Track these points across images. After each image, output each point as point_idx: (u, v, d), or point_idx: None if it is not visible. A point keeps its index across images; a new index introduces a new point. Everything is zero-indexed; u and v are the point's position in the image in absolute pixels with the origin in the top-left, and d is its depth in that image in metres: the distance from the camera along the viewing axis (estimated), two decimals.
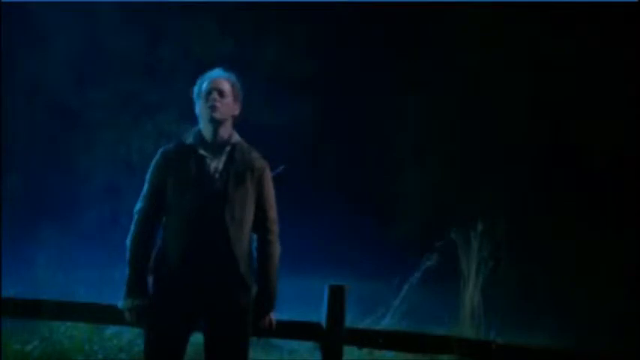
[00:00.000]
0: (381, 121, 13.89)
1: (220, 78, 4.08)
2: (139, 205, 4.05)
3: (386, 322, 6.55)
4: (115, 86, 13.55)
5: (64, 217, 12.07)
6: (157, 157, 4.07)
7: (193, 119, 4.14)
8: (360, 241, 12.52)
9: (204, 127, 4.04)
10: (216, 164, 3.99)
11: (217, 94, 4.01)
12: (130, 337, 6.34)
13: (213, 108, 3.99)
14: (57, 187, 12.98)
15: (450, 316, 6.69)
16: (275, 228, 4.09)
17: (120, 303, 4.01)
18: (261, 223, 4.05)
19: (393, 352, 5.49)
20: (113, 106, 13.55)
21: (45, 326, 6.36)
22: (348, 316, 4.30)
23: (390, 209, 13.71)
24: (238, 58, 13.44)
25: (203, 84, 4.07)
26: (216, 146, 4.02)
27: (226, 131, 4.05)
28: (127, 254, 4.01)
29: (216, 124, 4.00)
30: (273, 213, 4.09)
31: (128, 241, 4.02)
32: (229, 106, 4.05)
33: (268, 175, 4.10)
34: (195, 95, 4.10)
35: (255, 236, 4.09)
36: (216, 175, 3.97)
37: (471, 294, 6.53)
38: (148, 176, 4.07)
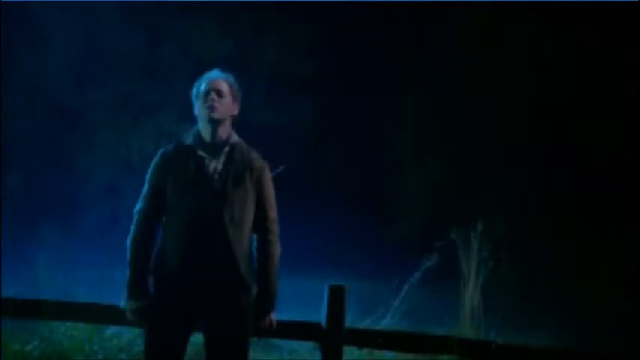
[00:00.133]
0: (381, 121, 13.89)
1: (218, 78, 4.08)
2: (138, 206, 4.05)
3: (386, 322, 6.55)
4: (115, 86, 13.55)
5: (64, 217, 12.08)
6: (157, 158, 4.07)
7: (193, 119, 4.14)
8: (360, 241, 12.53)
9: (203, 128, 4.04)
10: (215, 165, 3.99)
11: (215, 94, 4.01)
12: (130, 337, 6.35)
13: (211, 108, 3.99)
14: (57, 187, 12.99)
15: (450, 316, 6.69)
16: (275, 228, 4.08)
17: (122, 303, 4.02)
18: (261, 223, 4.05)
19: (393, 352, 5.49)
20: (113, 106, 13.55)
21: (45, 326, 6.36)
22: (348, 316, 4.30)
23: (390, 209, 13.71)
24: (238, 58, 13.46)
25: (201, 85, 4.07)
26: (215, 147, 4.02)
27: (225, 131, 4.04)
28: (128, 255, 4.02)
29: (214, 124, 4.00)
30: (273, 213, 4.08)
31: (128, 242, 4.03)
32: (228, 106, 4.05)
33: (268, 175, 4.10)
34: (193, 96, 4.10)
35: (255, 236, 4.09)
36: (215, 176, 3.97)
37: (471, 294, 6.53)
38: (147, 177, 4.08)
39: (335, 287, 4.28)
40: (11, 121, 12.79)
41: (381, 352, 5.68)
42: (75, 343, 6.27)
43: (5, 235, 10.06)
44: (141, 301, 3.96)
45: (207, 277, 3.91)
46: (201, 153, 4.00)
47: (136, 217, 4.05)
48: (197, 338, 4.15)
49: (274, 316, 4.09)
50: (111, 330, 6.40)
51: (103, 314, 4.50)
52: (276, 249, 4.08)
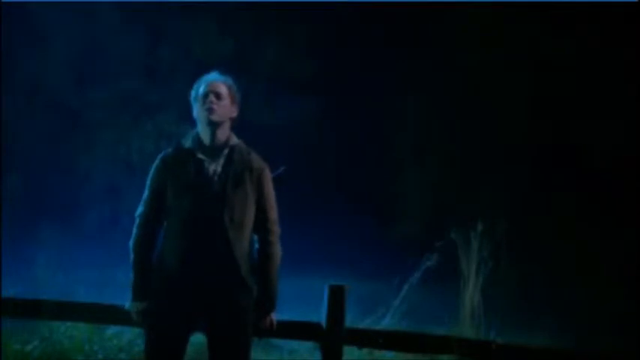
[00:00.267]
0: (381, 121, 13.89)
1: (217, 81, 4.09)
2: (140, 209, 4.08)
3: (386, 322, 6.54)
4: (115, 86, 13.55)
5: (64, 217, 12.08)
6: (157, 161, 4.09)
7: (193, 119, 4.14)
8: (360, 241, 12.53)
9: (202, 130, 4.05)
10: (214, 167, 4.00)
11: (214, 96, 4.01)
12: (130, 337, 6.35)
13: (210, 110, 3.99)
14: (57, 187, 12.99)
15: (450, 316, 6.68)
16: (275, 229, 4.09)
17: (126, 305, 4.06)
18: (261, 225, 4.06)
19: (393, 352, 5.49)
20: (113, 106, 13.55)
21: (45, 326, 6.36)
22: (348, 316, 4.30)
23: (390, 209, 13.71)
24: (238, 58, 13.46)
25: (200, 87, 4.08)
26: (215, 149, 4.02)
27: (224, 134, 4.05)
28: (131, 257, 4.05)
29: (213, 126, 4.01)
30: (273, 214, 4.09)
31: (131, 245, 4.06)
32: (226, 109, 4.05)
33: (268, 176, 4.10)
34: (192, 99, 4.11)
35: (256, 237, 4.10)
36: (215, 178, 3.98)
37: (471, 294, 6.53)
38: (148, 181, 4.10)
39: (335, 287, 4.28)
40: (11, 121, 12.79)
41: (381, 352, 5.68)
42: (75, 343, 6.27)
43: (5, 235, 10.06)
44: (145, 302, 3.99)
45: (207, 279, 3.92)
46: (200, 155, 4.01)
47: (137, 220, 4.07)
48: (197, 338, 4.15)
49: (274, 317, 4.10)
50: (111, 330, 6.40)
51: (103, 314, 4.50)
52: (277, 250, 4.08)
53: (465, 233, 6.76)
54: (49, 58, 13.59)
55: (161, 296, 3.96)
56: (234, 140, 4.08)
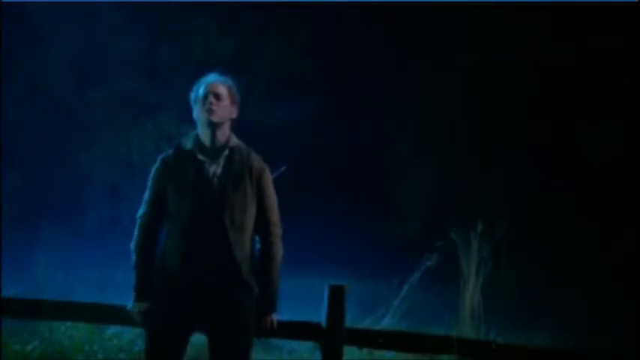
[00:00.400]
0: (381, 121, 13.89)
1: (216, 82, 4.08)
2: (141, 211, 4.09)
3: (386, 322, 6.54)
4: (115, 86, 13.55)
5: (64, 217, 12.08)
6: (157, 163, 4.10)
7: (193, 120, 4.14)
8: (360, 241, 12.52)
9: (202, 132, 4.05)
10: (214, 168, 4.00)
11: (214, 97, 4.01)
12: (130, 337, 6.35)
13: (210, 111, 3.99)
14: (57, 187, 12.99)
15: (450, 316, 6.68)
16: (277, 230, 4.10)
17: (129, 305, 4.07)
18: (262, 226, 4.07)
19: (393, 352, 5.48)
20: (113, 106, 13.55)
21: (45, 326, 6.36)
22: (348, 316, 4.30)
23: (390, 209, 13.71)
24: (238, 58, 13.46)
25: (199, 89, 4.08)
26: (215, 150, 4.02)
27: (224, 135, 4.05)
28: (132, 259, 4.07)
29: (213, 127, 4.01)
30: (274, 215, 4.10)
31: (132, 246, 4.08)
32: (226, 110, 4.05)
33: (268, 177, 4.10)
34: (192, 100, 4.11)
35: (257, 238, 4.10)
36: (215, 180, 3.98)
37: (471, 294, 6.52)
38: (148, 183, 4.10)
39: (335, 287, 4.28)
40: (11, 121, 12.79)
41: (381, 352, 5.67)
42: (75, 343, 6.27)
43: (5, 234, 10.06)
44: (147, 303, 4.00)
45: (208, 279, 3.93)
46: (200, 157, 4.01)
47: (138, 221, 4.08)
48: (197, 338, 4.15)
49: (275, 317, 4.10)
50: (111, 330, 6.40)
51: (103, 314, 4.50)
52: (279, 250, 4.09)
53: (465, 233, 6.75)
54: (49, 58, 13.59)
55: (162, 296, 3.97)
56: (235, 141, 4.08)
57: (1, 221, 10.90)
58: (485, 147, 13.21)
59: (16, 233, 10.56)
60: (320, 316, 4.30)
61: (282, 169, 4.30)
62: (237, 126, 4.15)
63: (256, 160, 4.08)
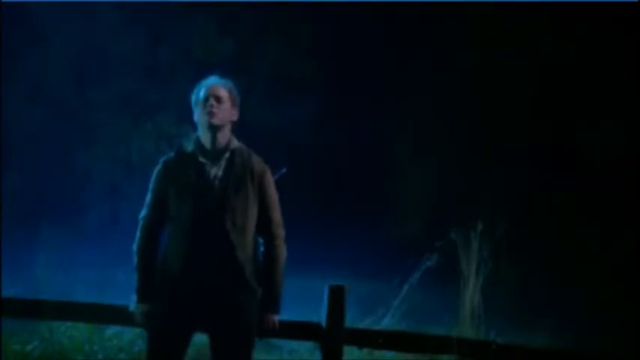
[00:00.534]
0: (381, 121, 13.89)
1: (217, 84, 4.08)
2: (143, 213, 4.10)
3: (386, 322, 6.53)
4: (115, 86, 13.55)
5: (64, 217, 12.08)
6: (159, 166, 4.10)
7: (193, 120, 4.15)
8: (360, 241, 12.52)
9: (203, 134, 4.05)
10: (215, 171, 4.00)
11: (214, 100, 4.01)
12: (130, 337, 6.35)
13: (210, 114, 3.99)
14: (57, 187, 12.99)
15: (450, 316, 6.68)
16: (280, 231, 4.10)
17: (131, 306, 4.07)
18: (265, 227, 4.07)
19: (393, 352, 5.48)
20: (113, 106, 13.56)
21: (45, 326, 6.36)
22: (348, 316, 4.30)
23: (390, 209, 13.72)
24: (238, 58, 13.47)
25: (200, 91, 4.08)
26: (216, 153, 4.03)
27: (225, 137, 4.05)
28: (134, 260, 4.07)
29: (214, 130, 4.01)
30: (277, 216, 4.10)
31: (134, 248, 4.09)
32: (227, 112, 4.05)
33: (269, 179, 4.11)
34: (192, 103, 4.11)
35: (261, 240, 4.11)
36: (216, 182, 3.99)
37: (471, 294, 6.52)
38: (150, 185, 4.11)
39: (335, 287, 4.27)
40: (11, 121, 12.79)
41: (381, 352, 5.67)
42: (75, 343, 6.27)
43: (5, 234, 10.07)
44: (149, 304, 4.01)
45: (210, 281, 3.93)
46: (201, 159, 4.01)
47: (140, 223, 4.09)
48: (198, 338, 4.15)
49: (277, 317, 4.10)
50: (111, 330, 6.39)
51: (103, 314, 4.50)
52: (282, 252, 4.09)
53: (465, 233, 6.74)
54: (49, 58, 13.60)
55: (164, 297, 3.97)
56: (235, 143, 4.08)
57: (1, 221, 10.90)
58: (485, 147, 13.21)
59: (16, 233, 10.56)
60: (320, 316, 4.30)
61: (283, 170, 4.30)
62: (237, 126, 4.15)
63: (257, 162, 4.08)
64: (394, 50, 13.99)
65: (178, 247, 3.96)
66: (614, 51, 12.43)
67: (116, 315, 4.33)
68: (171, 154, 4.11)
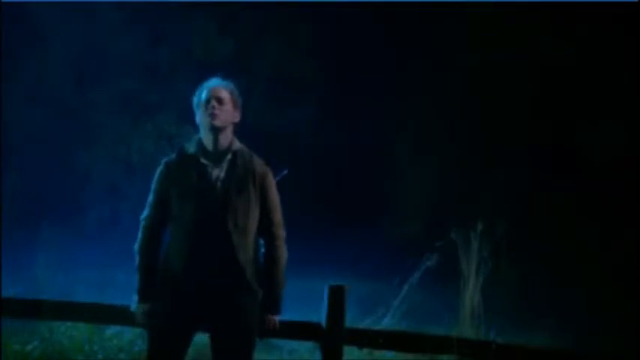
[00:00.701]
0: (381, 121, 13.89)
1: (219, 86, 4.10)
2: (145, 213, 4.11)
3: (386, 322, 6.54)
4: (115, 86, 13.55)
5: (64, 217, 12.08)
6: (161, 167, 4.11)
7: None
8: (360, 241, 12.52)
9: (205, 136, 4.06)
10: (217, 172, 4.02)
11: (216, 102, 4.03)
12: (130, 337, 6.35)
13: (212, 116, 4.00)
14: (57, 187, 12.99)
15: (450, 316, 6.68)
16: (281, 232, 4.11)
17: (132, 306, 4.08)
18: (266, 229, 4.08)
19: (393, 352, 5.48)
20: (113, 106, 13.56)
21: (45, 326, 6.36)
22: (348, 316, 4.30)
23: (390, 209, 13.72)
24: (238, 58, 13.46)
25: (202, 93, 4.09)
26: (218, 154, 4.04)
27: (227, 139, 4.06)
28: (136, 261, 4.08)
29: (216, 131, 4.02)
30: (278, 217, 4.11)
31: (136, 248, 4.10)
32: (229, 114, 4.06)
33: (271, 180, 4.12)
34: (195, 105, 4.13)
35: (262, 241, 4.12)
36: (218, 184, 4.00)
37: (471, 294, 6.52)
38: (152, 186, 4.12)
39: (335, 287, 4.28)
40: (11, 121, 12.79)
41: (381, 352, 5.67)
42: (75, 343, 6.27)
43: (5, 234, 10.07)
44: (150, 304, 4.02)
45: (212, 282, 3.94)
46: (203, 161, 4.02)
47: (142, 223, 4.10)
48: (198, 338, 4.16)
49: (277, 318, 4.10)
50: (111, 330, 6.40)
51: (103, 314, 4.50)
52: (283, 253, 4.10)
53: (465, 233, 6.75)
54: (49, 58, 13.59)
55: (165, 297, 3.98)
56: (237, 145, 4.10)
57: (1, 221, 10.90)
58: (485, 147, 13.21)
59: (16, 233, 10.56)
60: (320, 316, 4.30)
61: (284, 172, 4.31)
62: (237, 126, 4.15)
63: (259, 163, 4.10)
64: (394, 50, 13.98)
65: (180, 247, 3.97)
66: (614, 51, 12.43)
67: (116, 315, 4.33)
68: (173, 155, 4.13)
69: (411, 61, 13.79)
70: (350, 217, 13.17)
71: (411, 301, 6.71)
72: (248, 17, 14.12)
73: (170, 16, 13.63)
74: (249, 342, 4.01)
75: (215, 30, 14.06)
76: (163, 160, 4.14)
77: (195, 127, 4.14)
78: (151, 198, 4.10)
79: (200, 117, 4.08)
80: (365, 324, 6.24)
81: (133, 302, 4.07)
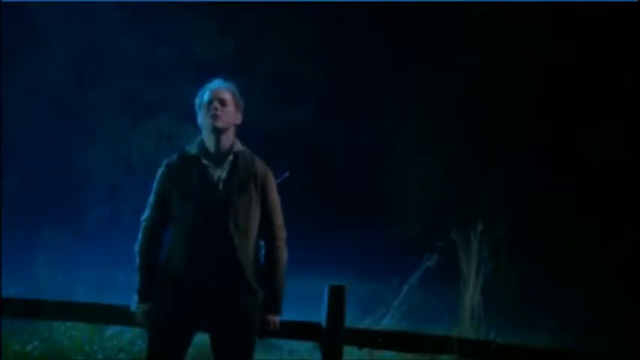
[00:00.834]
0: (381, 121, 13.89)
1: (221, 88, 4.12)
2: (146, 214, 4.12)
3: (386, 322, 6.54)
4: (115, 86, 13.55)
5: (64, 217, 12.08)
6: (162, 168, 4.12)
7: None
8: (360, 241, 12.52)
9: (207, 137, 4.07)
10: (219, 173, 4.03)
11: (218, 103, 4.04)
12: (130, 337, 6.35)
13: (215, 117, 4.02)
14: (57, 187, 12.98)
15: (450, 316, 6.68)
16: (281, 233, 4.12)
17: (132, 306, 4.09)
18: (267, 230, 4.09)
19: (393, 352, 5.48)
20: (113, 106, 13.55)
21: (45, 326, 6.36)
22: (348, 316, 4.30)
23: (390, 209, 13.71)
24: (238, 58, 13.46)
25: (204, 95, 4.11)
26: (219, 155, 4.05)
27: (228, 140, 4.07)
28: (137, 261, 4.09)
29: (218, 133, 4.03)
30: (278, 219, 4.12)
31: (136, 249, 4.10)
32: (231, 115, 4.08)
33: (272, 182, 4.13)
34: (197, 107, 4.15)
35: (262, 242, 4.12)
36: (220, 185, 4.01)
37: (471, 294, 6.52)
38: (153, 187, 4.13)
39: (335, 287, 4.28)
40: (11, 121, 12.78)
41: (381, 352, 5.68)
42: (75, 343, 6.27)
43: (5, 234, 10.06)
44: (150, 304, 4.03)
45: (212, 282, 3.95)
46: (205, 162, 4.03)
47: (143, 224, 4.11)
48: (198, 338, 4.16)
49: (278, 319, 4.10)
50: (111, 330, 6.40)
51: (103, 314, 4.51)
52: (283, 254, 4.11)
53: (465, 233, 6.75)
54: (49, 58, 13.58)
55: (165, 297, 3.99)
56: (239, 147, 4.11)
57: (1, 221, 10.90)
58: (485, 147, 13.21)
59: (16, 233, 10.56)
60: (320, 316, 4.30)
61: (286, 174, 4.32)
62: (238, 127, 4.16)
63: (260, 165, 4.11)
64: (394, 50, 13.98)
65: (181, 248, 3.98)
66: (614, 51, 12.43)
67: (116, 315, 4.34)
68: (174, 156, 4.14)
69: (411, 61, 13.79)
70: (350, 217, 13.17)
71: (411, 301, 6.71)
72: (248, 17, 14.12)
73: (170, 16, 13.62)
74: (250, 342, 4.01)
75: (215, 30, 14.06)
76: (164, 161, 4.15)
77: (196, 128, 4.15)
78: (151, 199, 4.11)
79: (202, 118, 4.09)
80: (365, 324, 6.24)
81: (133, 302, 4.07)
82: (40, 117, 13.35)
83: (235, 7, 13.75)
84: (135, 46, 13.73)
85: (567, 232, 11.85)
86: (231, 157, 4.06)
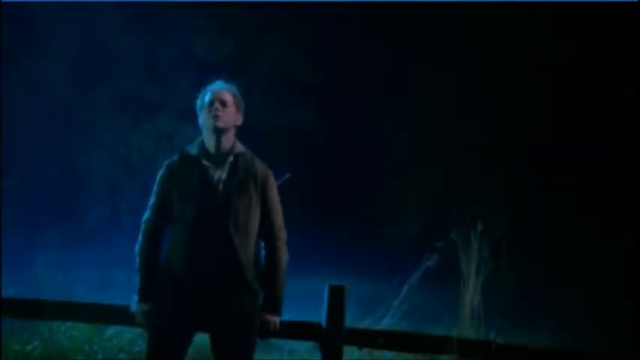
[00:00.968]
0: (381, 121, 13.89)
1: (222, 89, 4.13)
2: (146, 215, 4.12)
3: (386, 322, 6.54)
4: (115, 86, 13.54)
5: (64, 217, 12.07)
6: (162, 169, 4.13)
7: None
8: (360, 241, 12.52)
9: (208, 138, 4.08)
10: (219, 174, 4.03)
11: (219, 104, 4.06)
12: (130, 337, 6.35)
13: (215, 117, 4.03)
14: (57, 187, 12.98)
15: (450, 316, 6.68)
16: (281, 234, 4.13)
17: (132, 306, 4.10)
18: (267, 231, 4.10)
19: (393, 352, 5.48)
20: (113, 106, 13.55)
21: (45, 326, 6.36)
22: (348, 316, 4.30)
23: (390, 209, 13.71)
24: (238, 58, 13.46)
25: (205, 96, 4.12)
26: (220, 156, 4.06)
27: (229, 141, 4.08)
28: (137, 262, 4.10)
29: (218, 133, 4.04)
30: (279, 220, 4.13)
31: (136, 250, 4.11)
32: (232, 116, 4.09)
33: (272, 183, 4.14)
34: (198, 108, 4.16)
35: (263, 243, 4.13)
36: (220, 186, 4.01)
37: (471, 294, 6.52)
38: (154, 188, 4.13)
39: (335, 287, 4.28)
40: (11, 121, 12.78)
41: (381, 352, 5.68)
42: (75, 343, 6.27)
43: (5, 234, 10.06)
44: (150, 305, 4.03)
45: (212, 284, 3.95)
46: (205, 163, 4.04)
47: (143, 225, 4.12)
48: (198, 339, 4.16)
49: (278, 319, 4.10)
50: (111, 330, 6.40)
51: (103, 314, 4.51)
52: (283, 255, 4.12)
53: (465, 233, 6.75)
54: (49, 58, 13.58)
55: (166, 298, 3.99)
56: (239, 148, 4.12)
57: (1, 221, 10.90)
58: (485, 147, 13.20)
59: (16, 233, 10.56)
60: (320, 316, 4.30)
61: (287, 176, 4.33)
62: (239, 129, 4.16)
63: (260, 166, 4.12)
64: (394, 50, 13.98)
65: (181, 248, 3.99)
66: (614, 51, 12.43)
67: (116, 315, 4.34)
68: (175, 157, 4.15)
69: (411, 61, 13.79)
70: (350, 217, 13.17)
71: (411, 301, 6.71)
72: (248, 17, 14.11)
73: (170, 16, 13.62)
74: (250, 342, 4.02)
75: (215, 30, 14.06)
76: (165, 162, 4.16)
77: (196, 128, 4.15)
78: (152, 200, 4.12)
79: (203, 119, 4.10)
80: (365, 324, 6.24)
81: (133, 302, 4.08)
82: (40, 117, 13.35)
83: (235, 7, 13.74)
84: (135, 46, 13.73)
85: (567, 232, 11.85)
86: (231, 158, 4.06)
